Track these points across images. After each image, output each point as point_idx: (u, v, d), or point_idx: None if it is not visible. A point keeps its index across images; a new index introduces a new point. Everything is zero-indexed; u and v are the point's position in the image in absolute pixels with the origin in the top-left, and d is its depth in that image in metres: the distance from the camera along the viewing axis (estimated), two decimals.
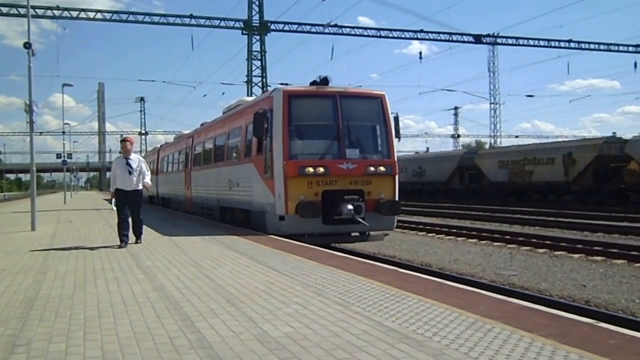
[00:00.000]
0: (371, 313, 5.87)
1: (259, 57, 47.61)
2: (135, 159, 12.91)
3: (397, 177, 14.91)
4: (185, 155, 26.52)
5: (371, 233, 15.07)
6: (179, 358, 4.53)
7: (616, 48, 56.64)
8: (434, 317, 5.66)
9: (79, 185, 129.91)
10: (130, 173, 12.66)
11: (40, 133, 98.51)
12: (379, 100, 15.30)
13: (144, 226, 13.68)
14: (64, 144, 58.68)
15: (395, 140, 15.20)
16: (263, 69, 47.73)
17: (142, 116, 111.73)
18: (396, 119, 15.38)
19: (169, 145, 34.44)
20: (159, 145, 40.62)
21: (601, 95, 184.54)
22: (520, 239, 19.28)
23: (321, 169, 13.90)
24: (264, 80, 47.43)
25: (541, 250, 17.02)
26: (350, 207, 13.67)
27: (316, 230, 14.13)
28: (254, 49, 47.43)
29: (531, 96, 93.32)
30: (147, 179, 13.06)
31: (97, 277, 8.63)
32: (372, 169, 14.40)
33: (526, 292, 11.18)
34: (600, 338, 4.81)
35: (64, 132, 59.34)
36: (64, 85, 48.40)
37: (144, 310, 6.26)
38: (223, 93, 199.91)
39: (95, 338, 5.17)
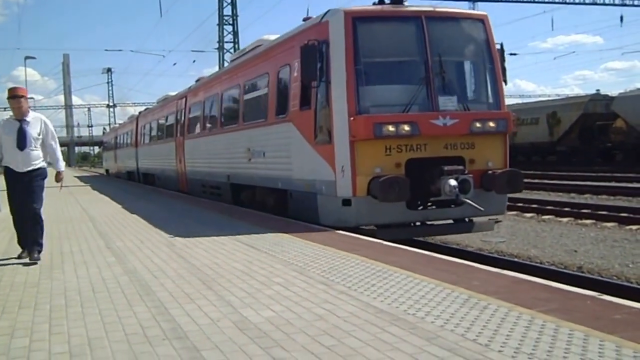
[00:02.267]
0: (357, 292, 5.66)
1: (231, 22, 46.94)
2: (35, 122, 8.62)
3: (508, 137, 11.12)
4: (176, 120, 22.52)
5: (475, 220, 10.97)
6: (152, 351, 4.28)
7: (602, 1, 56.52)
8: (424, 294, 5.47)
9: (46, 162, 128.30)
10: (24, 144, 8.43)
11: (5, 109, 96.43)
12: (481, 23, 11.08)
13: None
14: None
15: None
16: (235, 34, 47.14)
17: (110, 88, 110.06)
18: (502, 52, 11.30)
19: (152, 112, 29.91)
20: (137, 113, 36.96)
21: (584, 51, 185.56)
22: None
23: (406, 127, 9.85)
24: (236, 46, 46.80)
25: (528, 215, 17.02)
26: (453, 182, 9.69)
27: (398, 219, 10.30)
28: (225, 14, 46.75)
29: (514, 54, 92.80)
30: (61, 163, 9.16)
31: (65, 260, 8.36)
32: (478, 125, 10.32)
33: (515, 259, 11.10)
34: (604, 312, 4.65)
35: None
36: (26, 58, 47.50)
37: (114, 297, 6.00)
38: (194, 61, 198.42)
39: (62, 331, 4.90)
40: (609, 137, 38.35)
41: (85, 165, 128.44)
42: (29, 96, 9.00)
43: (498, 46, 11.16)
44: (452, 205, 10.15)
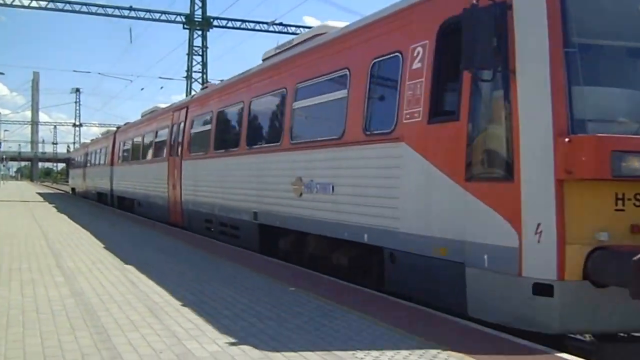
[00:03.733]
0: (306, 331, 5.46)
1: (200, 53, 46.82)
2: None
3: None
4: (171, 137, 17.88)
5: None
6: None
7: None
8: (374, 339, 5.27)
9: (9, 175, 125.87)
10: None
11: None
12: None
13: None
14: None
15: None
16: (204, 65, 46.94)
17: (77, 107, 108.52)
18: None
19: (135, 126, 24.74)
20: (115, 128, 31.30)
21: None
22: None
23: None
24: (205, 76, 46.63)
25: None
26: None
27: (632, 325, 5.86)
28: (195, 44, 46.60)
29: None
30: None
31: (12, 277, 8.01)
32: None
33: None
34: None
35: None
36: None
37: (58, 320, 5.71)
38: (161, 87, 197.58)
39: None
40: None
41: (47, 181, 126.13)
42: None
43: None
44: None
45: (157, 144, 19.91)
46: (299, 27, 45.39)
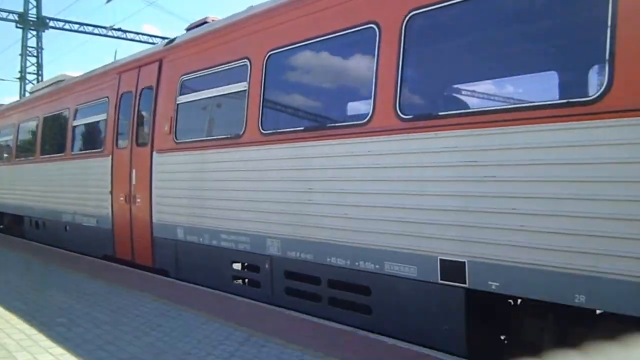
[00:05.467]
0: (143, 332, 5.37)
1: (35, 54, 44.22)
2: None
3: None
4: (115, 116, 10.32)
5: None
6: None
7: None
8: (208, 334, 5.30)
9: None
10: None
11: None
12: None
13: None
14: None
15: None
16: (39, 66, 44.37)
17: None
18: None
19: (22, 108, 15.69)
20: None
21: None
22: None
23: None
24: (40, 78, 44.11)
25: None
26: None
27: None
28: (29, 45, 43.94)
29: None
30: None
31: None
32: None
33: None
34: None
35: None
36: None
37: None
38: None
39: None
40: None
41: None
42: None
43: None
44: None
45: (78, 130, 12.18)
46: (138, 33, 44.32)
